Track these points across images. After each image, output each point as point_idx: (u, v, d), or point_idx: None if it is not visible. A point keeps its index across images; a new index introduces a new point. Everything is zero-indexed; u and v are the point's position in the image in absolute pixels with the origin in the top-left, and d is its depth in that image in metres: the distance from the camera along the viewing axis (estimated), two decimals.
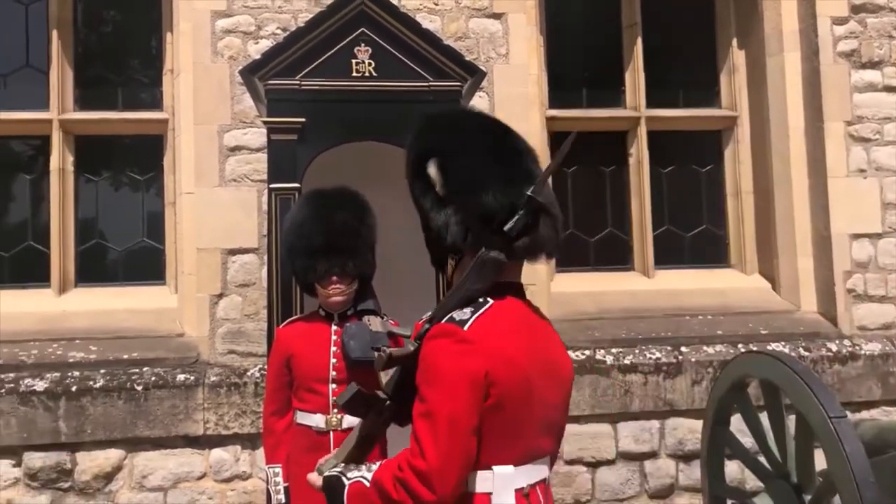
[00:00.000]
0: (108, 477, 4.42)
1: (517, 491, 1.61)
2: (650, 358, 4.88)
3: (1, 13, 5.18)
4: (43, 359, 4.56)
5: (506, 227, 1.62)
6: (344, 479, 1.66)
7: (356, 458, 1.76)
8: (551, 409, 1.69)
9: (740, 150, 5.66)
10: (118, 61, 5.33)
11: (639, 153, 5.53)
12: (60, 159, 5.05)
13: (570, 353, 4.57)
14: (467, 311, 1.62)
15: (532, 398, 1.61)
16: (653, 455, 4.84)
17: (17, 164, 5.25)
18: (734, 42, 5.71)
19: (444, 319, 1.61)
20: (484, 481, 1.59)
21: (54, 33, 5.13)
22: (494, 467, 1.59)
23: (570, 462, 4.78)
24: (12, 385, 4.38)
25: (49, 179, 5.06)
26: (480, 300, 1.64)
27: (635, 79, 5.58)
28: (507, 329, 1.62)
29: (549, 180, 5.27)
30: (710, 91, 5.78)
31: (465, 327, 1.58)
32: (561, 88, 5.52)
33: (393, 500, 1.54)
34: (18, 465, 4.36)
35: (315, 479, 1.73)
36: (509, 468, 1.60)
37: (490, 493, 1.59)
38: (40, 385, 4.40)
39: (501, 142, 1.75)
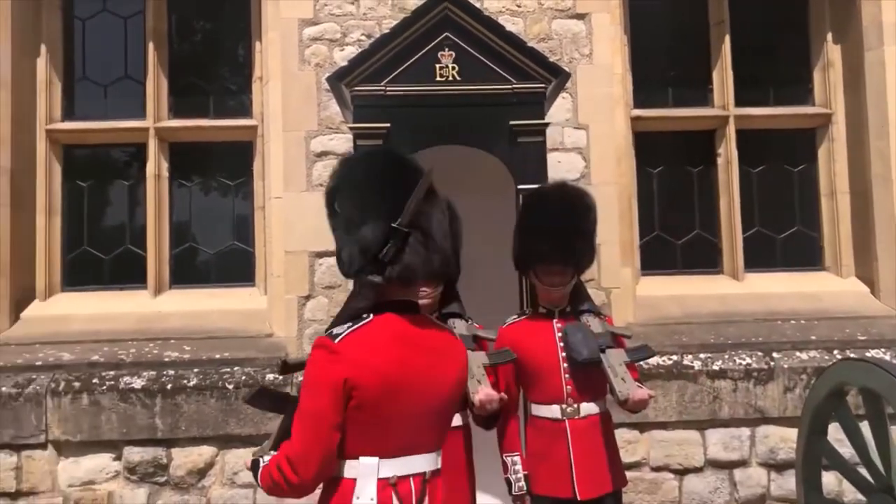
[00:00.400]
0: (202, 473, 4.58)
1: (381, 480, 1.86)
2: (740, 364, 4.74)
3: (103, 27, 5.44)
4: (140, 358, 4.75)
5: (380, 256, 1.87)
6: (261, 461, 1.99)
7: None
8: (428, 411, 1.92)
9: (835, 149, 5.44)
10: (209, 70, 5.52)
11: (727, 153, 5.38)
12: (156, 165, 5.26)
13: (656, 358, 4.51)
14: (346, 326, 1.89)
15: (400, 400, 1.85)
16: (743, 463, 4.70)
17: (115, 170, 5.50)
18: (829, 37, 5.49)
19: (325, 332, 1.91)
20: (350, 468, 1.87)
21: (150, 45, 5.35)
22: (361, 458, 1.86)
23: (657, 469, 4.69)
24: (112, 382, 4.58)
25: (145, 185, 5.28)
26: (364, 316, 1.91)
27: (723, 77, 5.44)
28: (378, 341, 1.87)
29: (634, 182, 5.15)
30: (802, 88, 5.57)
31: (337, 340, 1.86)
32: (646, 88, 5.42)
33: (274, 479, 1.88)
34: (119, 458, 4.56)
35: (247, 461, 2.05)
36: (374, 460, 1.86)
37: (355, 479, 1.86)
38: (138, 383, 4.59)
39: (392, 180, 1.94)
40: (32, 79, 5.25)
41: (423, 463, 1.93)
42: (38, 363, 4.71)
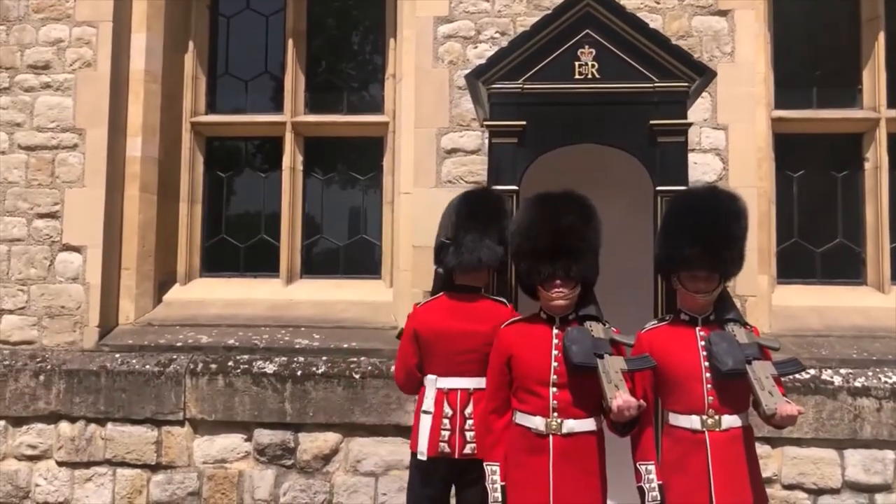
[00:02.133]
0: (326, 458, 4.70)
1: (439, 389, 3.13)
2: (885, 382, 4.47)
3: (245, 24, 5.67)
4: (272, 343, 4.93)
5: (441, 257, 3.24)
6: None
7: None
8: (462, 350, 3.09)
9: None
10: (344, 67, 5.66)
11: (877, 157, 5.07)
12: (292, 158, 5.44)
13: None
14: (427, 300, 3.33)
15: (443, 344, 3.12)
16: (886, 488, 4.42)
17: (253, 162, 5.73)
18: None
19: (418, 302, 3.39)
20: (425, 380, 3.20)
21: (290, 42, 5.54)
22: (428, 375, 3.19)
23: (789, 487, 4.48)
24: (246, 366, 4.77)
25: (281, 177, 5.47)
26: (440, 294, 3.26)
27: (875, 76, 5.13)
28: (435, 309, 3.22)
29: (773, 186, 4.90)
30: None
31: (419, 306, 3.30)
32: (789, 88, 5.18)
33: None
34: (249, 440, 4.75)
35: None
36: (434, 377, 3.17)
37: (426, 386, 3.19)
38: (270, 368, 4.76)
39: (454, 211, 3.29)
40: (180, 73, 5.54)
41: (467, 382, 3.10)
42: (179, 344, 4.97)
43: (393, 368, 4.65)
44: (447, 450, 3.09)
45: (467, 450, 3.08)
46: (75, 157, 5.11)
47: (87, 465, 4.83)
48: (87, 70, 5.14)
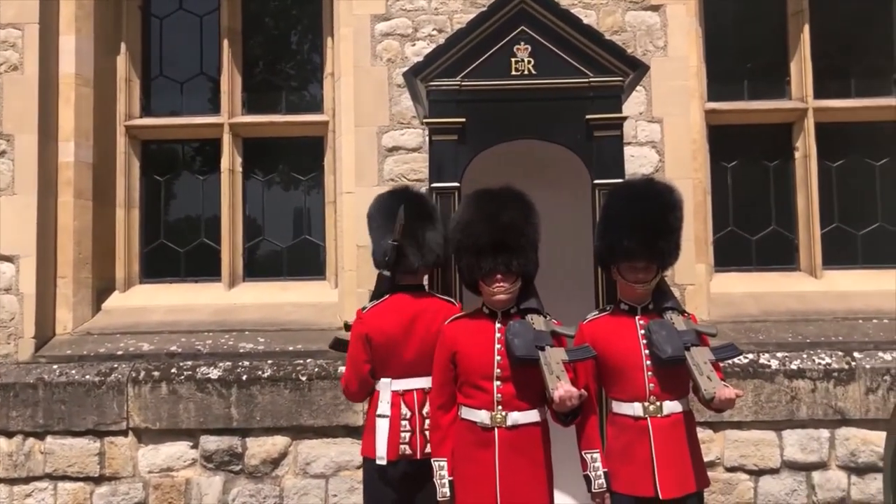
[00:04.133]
0: (275, 462, 4.66)
1: (394, 392, 3.06)
2: (819, 363, 4.62)
3: (179, 25, 5.57)
4: (217, 349, 4.86)
5: (386, 259, 3.12)
6: None
7: None
8: (418, 351, 3.03)
9: None
10: (282, 66, 5.61)
11: (806, 147, 5.24)
12: (230, 160, 5.37)
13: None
14: (373, 302, 3.16)
15: (396, 346, 3.05)
16: (822, 466, 4.58)
17: (191, 165, 5.63)
18: None
19: (362, 307, 3.18)
20: (378, 385, 3.10)
21: (225, 42, 5.46)
22: (381, 378, 3.08)
23: (731, 469, 4.60)
24: (190, 372, 4.70)
25: (220, 179, 5.39)
26: (385, 296, 3.14)
27: (802, 68, 5.29)
28: (385, 311, 3.10)
29: (708, 177, 5.05)
30: (886, 79, 5.38)
31: (364, 311, 3.14)
32: (721, 80, 5.32)
33: (342, 389, 3.28)
34: (195, 447, 4.67)
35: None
36: (388, 379, 3.07)
37: (379, 391, 3.09)
38: (214, 373, 4.69)
39: (393, 212, 3.14)
40: (112, 76, 5.42)
41: (422, 382, 3.04)
42: (120, 353, 4.87)
43: (341, 369, 4.73)
44: (408, 451, 3.03)
45: (428, 449, 3.02)
46: (4, 163, 4.96)
47: (27, 480, 4.69)
48: (14, 73, 4.99)
